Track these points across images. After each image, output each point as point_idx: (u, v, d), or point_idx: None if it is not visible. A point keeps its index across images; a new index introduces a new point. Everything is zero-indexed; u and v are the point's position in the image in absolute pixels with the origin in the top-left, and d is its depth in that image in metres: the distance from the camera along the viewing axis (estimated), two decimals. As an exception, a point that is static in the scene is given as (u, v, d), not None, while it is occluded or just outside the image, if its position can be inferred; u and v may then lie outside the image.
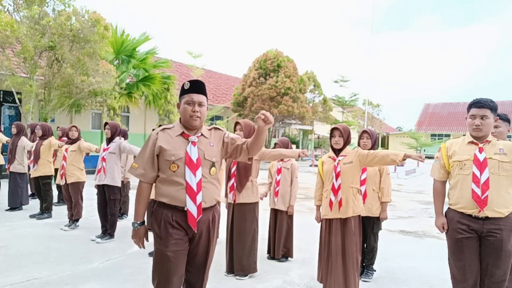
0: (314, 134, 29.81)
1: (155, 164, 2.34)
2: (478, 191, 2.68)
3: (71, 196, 5.89)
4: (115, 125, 5.50)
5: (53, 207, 6.85)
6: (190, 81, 2.37)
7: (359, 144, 4.04)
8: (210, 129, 2.47)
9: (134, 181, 7.00)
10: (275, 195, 4.60)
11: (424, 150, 32.21)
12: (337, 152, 3.48)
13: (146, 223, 2.46)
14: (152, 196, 2.41)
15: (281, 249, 4.54)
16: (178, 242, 2.30)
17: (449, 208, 2.90)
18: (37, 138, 6.97)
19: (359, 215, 3.47)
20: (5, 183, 8.05)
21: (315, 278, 3.75)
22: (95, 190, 5.49)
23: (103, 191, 5.38)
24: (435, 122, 40.19)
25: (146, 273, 3.92)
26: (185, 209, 2.28)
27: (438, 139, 36.01)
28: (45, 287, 3.63)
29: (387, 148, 37.86)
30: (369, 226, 4.00)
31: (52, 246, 4.90)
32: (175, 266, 2.32)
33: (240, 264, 3.97)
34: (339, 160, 3.41)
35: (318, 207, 3.69)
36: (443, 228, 2.90)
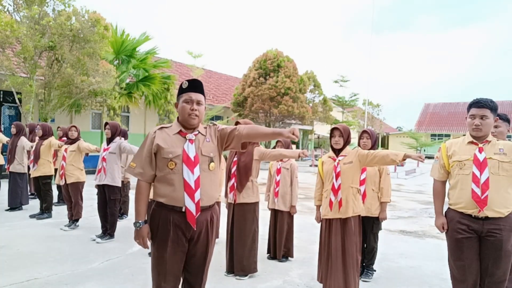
0: (314, 134, 29.78)
1: (153, 162, 2.34)
2: (478, 191, 2.68)
3: (71, 196, 5.89)
4: (115, 125, 5.50)
5: (53, 207, 6.85)
6: (188, 80, 2.39)
7: (359, 144, 4.04)
8: (205, 127, 2.47)
9: (134, 181, 6.98)
10: (275, 195, 4.59)
11: (424, 150, 32.21)
12: (337, 152, 3.48)
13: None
14: (151, 196, 2.41)
15: (281, 249, 4.54)
16: (176, 243, 2.30)
17: (449, 208, 2.90)
18: (36, 138, 6.98)
19: (359, 215, 3.47)
20: (5, 183, 8.05)
21: (315, 278, 3.75)
22: (95, 190, 5.49)
23: (103, 191, 5.38)
24: (435, 122, 40.18)
25: (146, 273, 3.92)
26: (183, 209, 2.27)
27: (438, 139, 36.00)
28: (45, 287, 3.63)
29: (387, 148, 37.84)
30: (369, 226, 4.00)
31: (52, 246, 4.90)
32: (173, 266, 2.32)
33: (240, 264, 3.97)
34: (339, 160, 3.41)
35: (318, 207, 3.69)
36: (443, 228, 2.90)
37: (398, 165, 17.18)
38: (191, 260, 2.40)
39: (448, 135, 36.42)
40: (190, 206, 2.27)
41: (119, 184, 5.44)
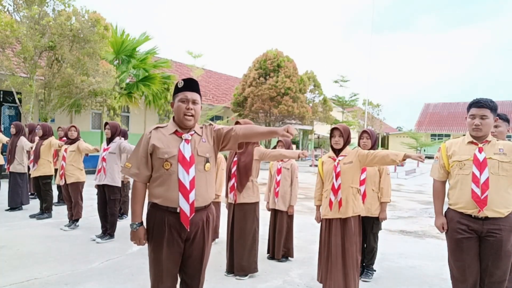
0: (314, 134, 29.79)
1: (149, 163, 2.32)
2: (478, 191, 2.68)
3: (71, 196, 5.89)
4: (115, 125, 5.50)
5: (53, 207, 6.85)
6: (184, 79, 2.37)
7: (359, 144, 4.04)
8: (201, 127, 2.46)
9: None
10: (275, 195, 4.60)
11: (424, 150, 32.21)
12: (337, 152, 3.49)
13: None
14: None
15: (281, 249, 4.55)
16: (172, 243, 2.29)
17: (449, 208, 2.90)
18: (36, 138, 6.98)
19: (359, 215, 3.48)
20: (5, 183, 8.05)
21: (315, 278, 3.75)
22: (95, 190, 5.49)
23: (103, 191, 5.38)
24: (435, 122, 40.18)
25: (146, 273, 3.89)
26: (178, 210, 2.26)
27: (438, 139, 36.00)
28: (45, 287, 3.63)
29: (387, 148, 37.85)
30: (369, 226, 4.00)
31: (52, 246, 4.90)
32: (170, 267, 2.32)
33: (240, 264, 3.97)
34: (339, 160, 3.41)
35: (318, 207, 3.69)
36: (443, 228, 2.90)
37: (398, 165, 17.18)
38: (188, 261, 2.39)
39: (448, 135, 36.42)
40: (184, 206, 2.26)
41: (119, 184, 5.44)
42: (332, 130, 3.53)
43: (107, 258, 4.50)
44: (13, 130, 7.24)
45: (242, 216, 4.00)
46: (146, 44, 16.22)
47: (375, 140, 4.02)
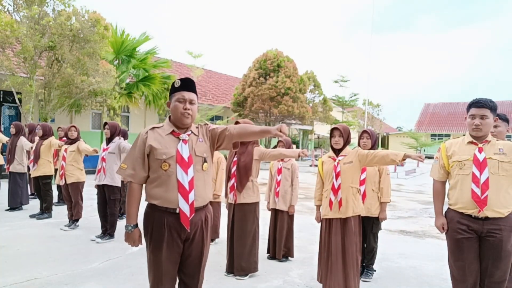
0: (314, 134, 29.79)
1: (146, 164, 2.30)
2: (478, 191, 2.68)
3: (71, 196, 5.89)
4: (115, 125, 5.50)
5: (53, 207, 6.85)
6: (181, 79, 2.37)
7: (359, 144, 4.04)
8: (197, 127, 2.46)
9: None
10: (275, 195, 4.60)
11: (424, 150, 32.21)
12: (337, 152, 3.49)
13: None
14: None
15: (281, 249, 4.55)
16: (171, 244, 2.29)
17: (449, 208, 2.90)
18: (36, 138, 6.98)
19: (359, 215, 3.48)
20: (5, 183, 8.05)
21: (315, 278, 3.75)
22: (95, 190, 5.49)
23: (103, 191, 5.38)
24: (435, 122, 40.19)
25: (146, 273, 3.88)
26: (177, 211, 2.26)
27: (438, 139, 36.00)
28: (45, 287, 3.63)
29: (387, 148, 37.85)
30: (369, 226, 4.00)
31: (52, 246, 4.90)
32: (169, 268, 2.31)
33: (240, 264, 3.97)
34: (339, 160, 3.41)
35: (318, 207, 3.69)
36: (443, 228, 2.90)
37: (398, 165, 17.18)
38: (187, 261, 2.38)
39: (448, 135, 36.43)
40: (184, 207, 2.25)
41: (119, 184, 5.44)
42: (332, 130, 3.53)
43: (107, 258, 4.50)
44: (13, 130, 7.24)
45: (242, 216, 4.00)
46: (146, 44, 16.25)
47: (375, 140, 4.02)
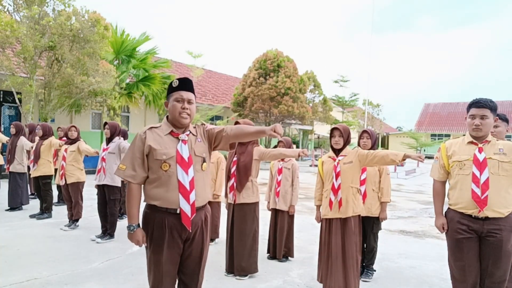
0: (314, 134, 29.79)
1: (145, 164, 2.29)
2: (478, 191, 2.68)
3: (71, 196, 5.89)
4: (115, 125, 5.50)
5: (53, 207, 6.85)
6: (179, 79, 2.37)
7: (359, 144, 4.05)
8: (195, 127, 2.46)
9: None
10: (276, 195, 4.60)
11: (424, 150, 32.20)
12: (337, 152, 3.49)
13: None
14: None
15: (282, 249, 4.54)
16: (172, 245, 2.29)
17: (449, 208, 2.90)
18: (37, 138, 6.98)
19: (359, 215, 3.48)
20: (5, 183, 8.05)
21: (315, 278, 3.75)
22: (95, 190, 5.49)
23: (103, 191, 5.38)
24: (435, 122, 40.19)
25: (146, 273, 3.92)
26: (178, 211, 2.26)
27: (438, 139, 35.99)
28: (45, 287, 3.63)
29: (387, 148, 37.84)
30: (369, 226, 4.00)
31: (52, 246, 4.90)
32: (169, 269, 2.31)
33: (240, 264, 3.96)
34: (339, 160, 3.41)
35: (318, 207, 3.69)
36: (443, 228, 2.90)
37: (398, 165, 17.18)
38: (187, 261, 2.38)
39: (448, 135, 36.42)
40: (185, 207, 2.25)
41: (119, 184, 5.44)
42: (332, 130, 3.53)
43: (107, 258, 4.50)
44: (13, 130, 7.24)
45: (242, 216, 3.99)
46: (146, 44, 16.26)
47: (375, 140, 4.02)
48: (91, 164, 11.11)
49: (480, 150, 2.75)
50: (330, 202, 3.39)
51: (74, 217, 5.88)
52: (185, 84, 2.35)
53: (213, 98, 22.44)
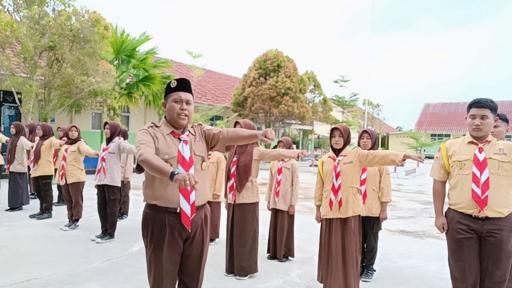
0: (314, 134, 29.80)
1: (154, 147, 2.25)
2: (478, 191, 2.68)
3: (71, 196, 5.89)
4: (115, 125, 5.50)
5: (53, 207, 6.85)
6: (177, 79, 2.37)
7: (359, 144, 4.04)
8: (192, 127, 2.46)
9: (134, 181, 7.01)
10: (276, 195, 4.60)
11: (424, 150, 32.20)
12: (337, 152, 3.49)
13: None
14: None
15: (282, 249, 4.54)
16: (172, 244, 2.29)
17: (449, 208, 2.90)
18: (37, 138, 6.98)
19: (359, 215, 3.48)
20: (5, 183, 8.05)
21: (315, 278, 3.75)
22: (95, 190, 5.49)
23: (103, 191, 5.38)
24: (435, 122, 40.19)
25: (146, 273, 3.92)
26: (178, 210, 2.26)
27: (438, 139, 35.99)
28: (45, 287, 3.63)
29: (387, 148, 37.85)
30: (369, 226, 4.00)
31: (52, 246, 4.90)
32: (169, 269, 2.31)
33: (240, 264, 3.96)
34: (339, 160, 3.41)
35: (318, 207, 3.69)
36: (443, 228, 2.90)
37: (398, 165, 17.18)
38: (187, 261, 2.38)
39: (448, 135, 36.42)
40: (185, 207, 2.26)
41: (119, 184, 5.43)
42: (332, 130, 3.53)
43: (107, 258, 4.50)
44: (13, 130, 7.24)
45: (242, 216, 3.99)
46: (146, 44, 16.25)
47: (375, 140, 4.02)
48: (91, 164, 11.10)
49: (480, 150, 2.75)
50: (330, 202, 3.39)
51: (74, 217, 5.88)
52: (183, 84, 2.36)
53: (213, 98, 22.44)
